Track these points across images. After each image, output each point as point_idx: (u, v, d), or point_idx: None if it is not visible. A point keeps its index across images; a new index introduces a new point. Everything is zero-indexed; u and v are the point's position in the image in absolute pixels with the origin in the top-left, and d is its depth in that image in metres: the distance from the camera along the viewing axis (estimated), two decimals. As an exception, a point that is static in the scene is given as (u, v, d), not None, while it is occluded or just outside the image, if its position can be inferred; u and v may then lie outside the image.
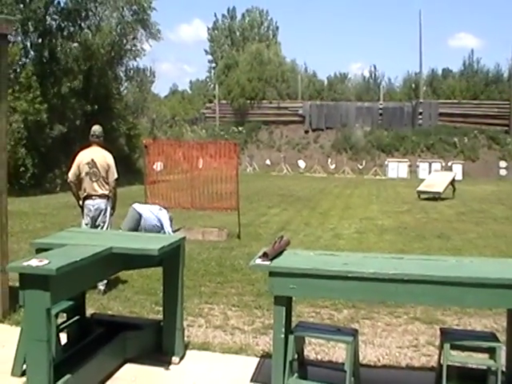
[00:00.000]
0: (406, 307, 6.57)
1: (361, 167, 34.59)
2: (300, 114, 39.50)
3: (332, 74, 50.41)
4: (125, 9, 26.89)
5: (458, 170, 29.97)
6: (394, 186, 26.04)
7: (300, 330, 4.40)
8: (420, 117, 37.68)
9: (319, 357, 5.22)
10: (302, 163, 35.93)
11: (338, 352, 5.22)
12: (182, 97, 60.97)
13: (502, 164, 33.58)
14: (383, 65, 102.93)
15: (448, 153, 35.28)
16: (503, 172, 33.19)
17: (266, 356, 5.07)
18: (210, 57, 58.86)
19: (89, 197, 7.34)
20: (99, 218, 7.36)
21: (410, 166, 33.71)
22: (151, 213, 10.11)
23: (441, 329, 4.72)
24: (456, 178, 22.48)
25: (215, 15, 59.34)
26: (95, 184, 7.30)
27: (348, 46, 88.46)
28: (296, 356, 4.37)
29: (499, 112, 36.64)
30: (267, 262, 4.20)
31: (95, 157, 7.32)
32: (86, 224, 7.40)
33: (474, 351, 4.47)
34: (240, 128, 39.51)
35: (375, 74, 49.35)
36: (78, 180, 7.40)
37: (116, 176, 7.41)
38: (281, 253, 4.47)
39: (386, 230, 12.82)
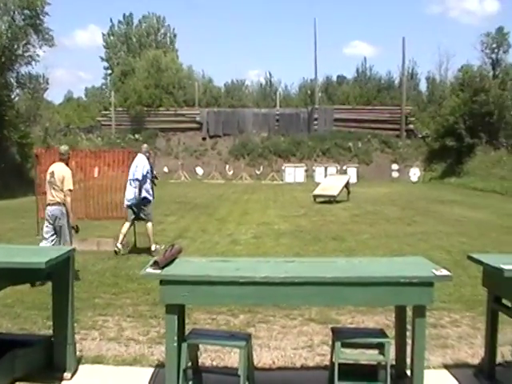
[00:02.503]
0: (302, 309, 6.68)
1: (258, 173, 35.06)
2: (197, 121, 39.53)
3: (229, 80, 50.86)
4: (16, 12, 25.98)
5: (352, 173, 31.10)
6: (290, 191, 26.55)
7: (193, 337, 4.37)
8: (316, 122, 38.67)
9: (215, 363, 5.21)
10: (199, 170, 35.99)
11: (233, 357, 5.22)
12: (78, 104, 59.67)
13: (394, 167, 35.20)
14: (280, 72, 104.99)
15: (343, 157, 36.44)
16: (395, 174, 34.79)
17: (160, 366, 4.99)
18: (105, 63, 57.80)
19: (48, 204, 8.62)
20: (55, 223, 8.51)
21: (306, 170, 34.54)
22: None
23: (332, 328, 4.81)
24: (350, 181, 23.26)
25: (111, 21, 58.61)
26: (53, 191, 8.52)
27: (245, 53, 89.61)
28: (190, 364, 4.34)
29: (391, 117, 38.31)
30: (158, 271, 4.15)
31: (55, 169, 8.60)
32: (47, 226, 8.62)
33: (366, 348, 4.59)
34: (137, 135, 39.02)
35: (270, 81, 50.32)
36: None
37: (69, 187, 8.49)
38: (172, 261, 4.43)
39: (282, 234, 13.01)
